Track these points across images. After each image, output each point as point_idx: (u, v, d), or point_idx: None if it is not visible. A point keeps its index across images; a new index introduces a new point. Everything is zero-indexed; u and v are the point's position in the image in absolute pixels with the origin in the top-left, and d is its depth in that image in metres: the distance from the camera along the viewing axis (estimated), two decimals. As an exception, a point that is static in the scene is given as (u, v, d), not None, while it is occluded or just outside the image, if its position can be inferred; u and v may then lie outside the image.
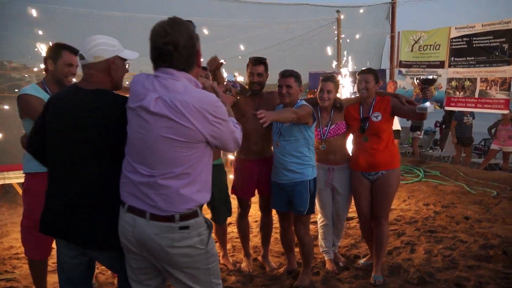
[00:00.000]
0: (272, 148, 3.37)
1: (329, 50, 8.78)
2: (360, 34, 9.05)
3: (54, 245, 2.32)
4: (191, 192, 1.69)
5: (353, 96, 7.14)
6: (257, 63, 3.31)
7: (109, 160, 1.79)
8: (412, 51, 9.17)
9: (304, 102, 3.12)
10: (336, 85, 3.43)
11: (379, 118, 3.33)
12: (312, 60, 8.80)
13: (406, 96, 3.44)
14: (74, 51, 2.61)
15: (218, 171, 3.41)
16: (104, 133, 1.77)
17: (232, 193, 3.53)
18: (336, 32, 8.29)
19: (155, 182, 1.65)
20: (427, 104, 3.00)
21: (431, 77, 3.00)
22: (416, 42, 9.22)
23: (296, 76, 3.11)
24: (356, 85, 3.46)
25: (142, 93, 1.66)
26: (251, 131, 3.29)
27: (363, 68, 3.49)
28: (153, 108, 1.61)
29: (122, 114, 1.74)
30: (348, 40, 9.13)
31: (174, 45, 1.63)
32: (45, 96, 2.54)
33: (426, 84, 3.01)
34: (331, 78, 3.37)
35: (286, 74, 3.09)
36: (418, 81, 3.05)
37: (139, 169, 1.67)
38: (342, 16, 8.98)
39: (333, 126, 3.42)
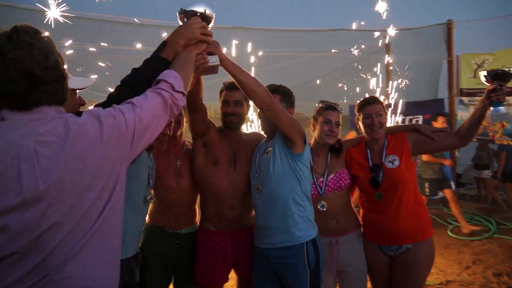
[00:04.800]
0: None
1: (373, 80, 7.70)
2: (410, 60, 7.88)
3: None
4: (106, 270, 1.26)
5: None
6: (235, 88, 2.41)
7: None
8: (475, 77, 7.84)
9: None
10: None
11: (396, 163, 2.35)
12: (353, 91, 7.76)
13: (429, 126, 2.45)
14: None
15: (187, 241, 2.51)
16: None
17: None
18: (374, 58, 7.23)
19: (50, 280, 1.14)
20: (502, 108, 2.14)
21: (506, 69, 2.09)
22: (479, 66, 7.89)
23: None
24: (360, 121, 2.48)
25: None
26: (225, 187, 2.37)
27: (367, 97, 2.52)
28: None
29: None
30: (395, 67, 7.99)
31: None
32: None
33: (499, 79, 2.09)
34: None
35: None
36: (488, 76, 2.12)
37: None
38: (387, 40, 7.91)
39: (331, 176, 2.43)
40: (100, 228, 1.20)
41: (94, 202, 1.18)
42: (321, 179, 2.43)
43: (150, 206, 2.45)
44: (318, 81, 8.16)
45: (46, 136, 1.13)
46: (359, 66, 7.93)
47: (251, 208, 2.43)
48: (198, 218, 2.62)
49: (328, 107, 2.43)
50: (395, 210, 2.33)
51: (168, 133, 2.31)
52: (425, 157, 5.89)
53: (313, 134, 2.52)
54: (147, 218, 2.47)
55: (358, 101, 2.55)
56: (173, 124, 2.39)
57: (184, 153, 2.53)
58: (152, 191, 2.36)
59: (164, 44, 1.55)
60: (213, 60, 1.74)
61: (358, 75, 8.02)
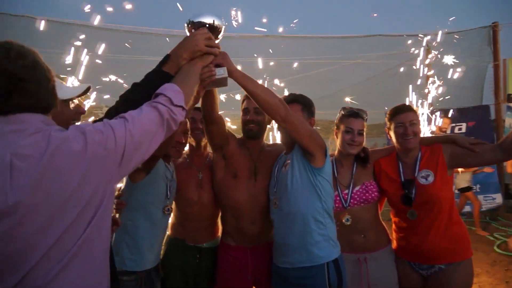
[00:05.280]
0: None
1: (413, 86, 7.39)
2: (452, 64, 7.51)
3: None
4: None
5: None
6: None
7: None
8: (524, 82, 7.35)
9: None
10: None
11: (431, 178, 2.18)
12: (390, 99, 7.48)
13: (467, 138, 2.24)
14: None
15: (208, 255, 2.44)
16: None
17: None
18: (413, 63, 6.92)
19: None
20: None
21: None
22: (528, 70, 7.39)
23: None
24: (392, 131, 2.33)
25: None
26: (245, 201, 2.28)
27: (400, 104, 2.36)
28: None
29: None
30: (436, 73, 7.64)
31: None
32: None
33: None
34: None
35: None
36: None
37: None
38: (427, 45, 7.58)
39: (357, 188, 2.29)
40: (83, 246, 1.12)
41: (74, 221, 1.09)
42: (346, 191, 2.29)
43: (172, 218, 2.42)
44: (353, 89, 7.95)
45: (26, 149, 1.06)
46: (397, 72, 7.66)
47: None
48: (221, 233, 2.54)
49: (351, 114, 2.30)
50: (427, 228, 2.16)
51: (183, 141, 2.27)
52: None
53: (336, 143, 2.40)
54: (169, 230, 2.44)
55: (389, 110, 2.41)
56: (189, 133, 2.35)
57: (207, 165, 2.47)
58: (173, 203, 2.33)
59: (167, 57, 1.49)
60: (221, 72, 1.66)
61: (396, 82, 7.75)
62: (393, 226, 2.40)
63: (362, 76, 8.23)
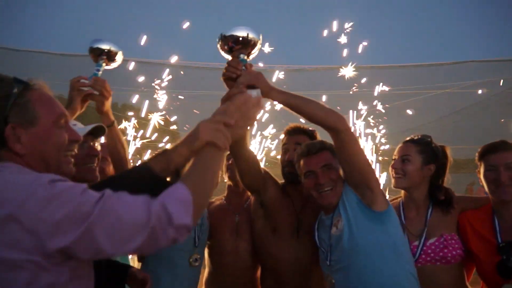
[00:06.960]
0: None
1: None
2: None
3: None
4: None
5: None
6: (296, 133, 2.01)
7: None
8: None
9: None
10: None
11: None
12: (484, 133, 6.59)
13: None
14: None
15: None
16: None
17: None
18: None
19: None
20: None
21: None
22: None
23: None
24: (481, 175, 1.79)
25: None
26: (286, 262, 1.88)
27: (497, 141, 1.84)
28: None
29: None
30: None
31: None
32: None
33: None
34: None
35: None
36: None
37: None
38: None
39: (432, 241, 1.76)
40: None
41: None
42: (416, 243, 1.77)
43: (206, 273, 2.09)
44: (441, 121, 7.19)
45: None
46: (493, 103, 6.77)
47: (317, 279, 1.87)
48: None
49: (403, 142, 1.90)
50: None
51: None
52: None
53: None
54: (201, 287, 2.10)
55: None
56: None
57: (246, 209, 2.11)
58: (205, 252, 2.01)
59: (160, 154, 1.17)
60: (254, 94, 1.39)
61: (491, 113, 6.85)
62: None
63: (451, 107, 7.44)
